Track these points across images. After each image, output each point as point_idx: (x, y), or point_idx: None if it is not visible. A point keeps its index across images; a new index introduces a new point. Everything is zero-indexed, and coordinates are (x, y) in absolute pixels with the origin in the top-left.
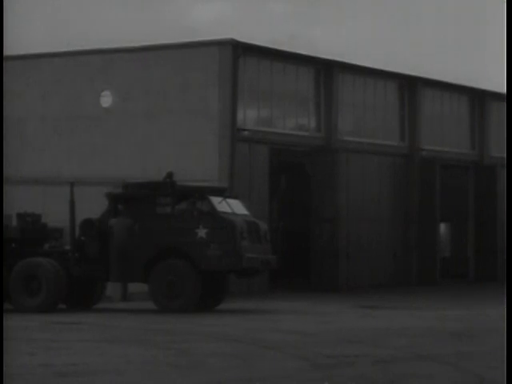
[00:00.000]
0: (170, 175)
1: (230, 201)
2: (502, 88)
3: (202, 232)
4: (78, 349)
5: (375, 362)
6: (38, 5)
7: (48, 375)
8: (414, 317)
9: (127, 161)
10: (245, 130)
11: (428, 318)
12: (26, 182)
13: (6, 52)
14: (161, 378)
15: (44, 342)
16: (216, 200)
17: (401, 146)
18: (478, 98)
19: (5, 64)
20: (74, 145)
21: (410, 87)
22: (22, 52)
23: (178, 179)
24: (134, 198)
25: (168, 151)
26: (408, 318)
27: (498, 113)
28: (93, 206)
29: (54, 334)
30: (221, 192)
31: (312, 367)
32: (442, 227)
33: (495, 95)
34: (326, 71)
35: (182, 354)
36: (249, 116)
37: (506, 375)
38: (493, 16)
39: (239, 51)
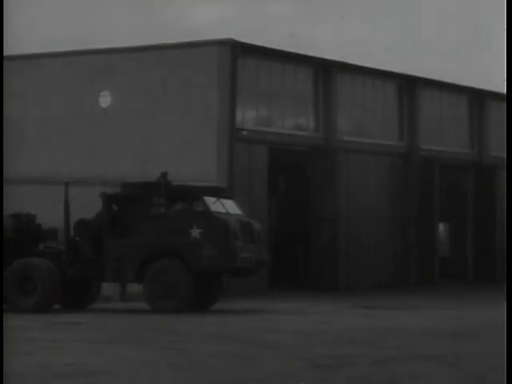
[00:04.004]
0: (164, 175)
1: (224, 201)
2: (502, 88)
3: (195, 232)
4: (77, 349)
5: (375, 362)
6: (38, 5)
7: (47, 375)
8: (413, 317)
9: (127, 161)
10: (244, 129)
11: (428, 318)
12: (26, 182)
13: (6, 52)
14: (160, 378)
15: (43, 342)
16: (210, 200)
17: (400, 146)
18: (477, 98)
19: (5, 64)
20: (73, 145)
21: (409, 87)
22: (21, 52)
23: (177, 179)
24: (128, 198)
25: (167, 151)
26: (408, 318)
27: (498, 113)
28: (92, 206)
29: (54, 334)
30: (218, 192)
31: (312, 367)
32: (442, 227)
33: (495, 95)
34: (325, 71)
35: (181, 354)
36: (248, 116)
37: (506, 375)
38: (493, 16)
39: (238, 51)
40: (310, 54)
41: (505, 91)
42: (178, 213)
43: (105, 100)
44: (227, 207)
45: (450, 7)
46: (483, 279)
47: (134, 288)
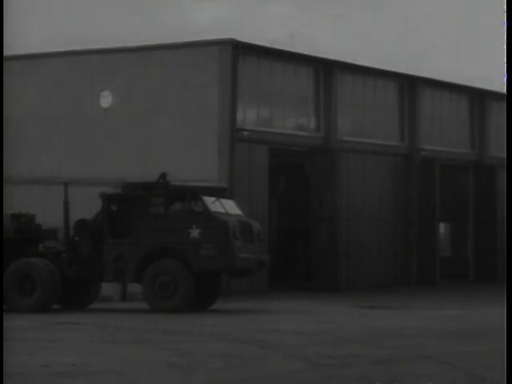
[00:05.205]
0: (163, 176)
1: (224, 201)
2: (502, 88)
3: (195, 232)
4: (77, 349)
5: (375, 362)
6: (38, 5)
7: (48, 375)
8: (413, 317)
9: (127, 161)
10: (244, 129)
11: (428, 318)
12: (26, 182)
13: (6, 52)
14: (161, 379)
15: (44, 342)
16: (209, 200)
17: (400, 146)
18: (477, 97)
19: (5, 64)
20: (73, 145)
21: (409, 87)
22: (22, 52)
23: (178, 179)
24: (127, 199)
25: (168, 151)
26: (407, 318)
27: (498, 113)
28: (92, 206)
29: (54, 334)
30: (218, 192)
31: (312, 367)
32: (442, 227)
33: (495, 95)
34: (326, 71)
35: (181, 354)
36: (248, 116)
37: (506, 375)
38: (493, 16)
39: (239, 51)
40: (311, 53)
41: (505, 91)
42: (178, 213)
43: (105, 100)
44: (227, 207)
45: (450, 7)
46: (484, 279)
47: (136, 288)
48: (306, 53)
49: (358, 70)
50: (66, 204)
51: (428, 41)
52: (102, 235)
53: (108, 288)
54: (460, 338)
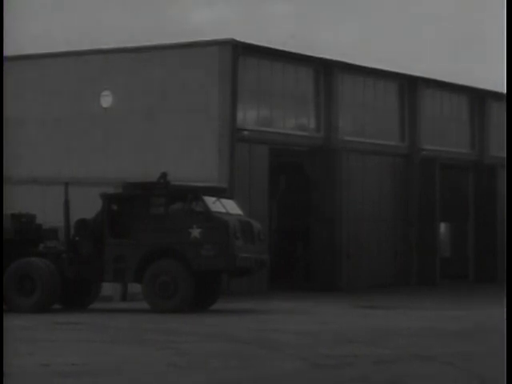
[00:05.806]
0: (163, 175)
1: (224, 201)
2: (502, 88)
3: (195, 232)
4: (77, 349)
5: (375, 362)
6: (38, 5)
7: (48, 375)
8: (413, 317)
9: (127, 161)
10: (245, 129)
11: (428, 318)
12: (26, 182)
13: (6, 52)
14: (161, 378)
15: (44, 342)
16: (210, 200)
17: (401, 146)
18: (478, 97)
19: (5, 64)
20: (73, 145)
21: (409, 87)
22: (22, 52)
23: (178, 179)
24: (127, 199)
25: (168, 151)
26: (408, 318)
27: (498, 113)
28: (92, 206)
29: (54, 334)
30: (219, 192)
31: (312, 367)
32: (442, 227)
33: (495, 95)
34: (326, 71)
35: (182, 354)
36: (249, 116)
37: (506, 375)
38: (493, 16)
39: (239, 51)
40: (311, 53)
41: (505, 91)
42: (178, 213)
43: (106, 100)
44: (227, 207)
45: (450, 7)
46: (484, 279)
47: (136, 288)
48: (306, 53)
49: (358, 70)
50: (67, 204)
51: (428, 41)
52: (103, 235)
53: (108, 288)
54: (460, 338)
